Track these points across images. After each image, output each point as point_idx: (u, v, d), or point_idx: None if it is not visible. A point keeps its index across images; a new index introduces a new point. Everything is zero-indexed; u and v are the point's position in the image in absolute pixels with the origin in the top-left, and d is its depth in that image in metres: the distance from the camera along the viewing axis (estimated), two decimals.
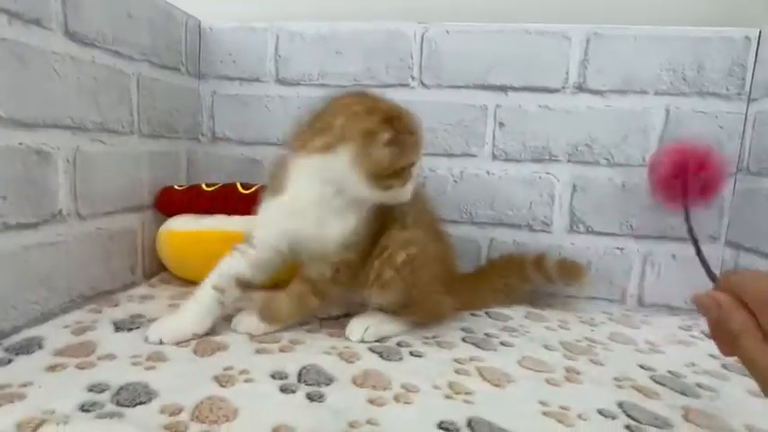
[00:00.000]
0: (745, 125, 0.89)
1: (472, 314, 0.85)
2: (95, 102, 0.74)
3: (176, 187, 0.93)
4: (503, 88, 0.96)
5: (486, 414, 0.50)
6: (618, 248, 0.95)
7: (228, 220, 0.89)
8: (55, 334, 0.63)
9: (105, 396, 0.49)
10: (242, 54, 1.04)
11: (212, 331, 0.68)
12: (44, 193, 0.66)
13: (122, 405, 0.48)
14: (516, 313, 0.87)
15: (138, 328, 0.68)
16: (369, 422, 0.48)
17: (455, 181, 0.99)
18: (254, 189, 0.91)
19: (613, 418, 0.52)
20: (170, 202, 0.91)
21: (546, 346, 0.71)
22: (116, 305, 0.76)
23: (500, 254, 0.98)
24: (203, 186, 0.92)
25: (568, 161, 0.95)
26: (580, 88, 0.93)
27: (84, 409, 0.46)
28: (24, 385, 0.50)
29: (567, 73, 0.93)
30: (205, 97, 1.06)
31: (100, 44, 0.74)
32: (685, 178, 0.80)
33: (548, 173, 0.96)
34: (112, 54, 0.77)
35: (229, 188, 0.91)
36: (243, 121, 1.06)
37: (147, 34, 0.86)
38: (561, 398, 0.55)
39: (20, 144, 0.62)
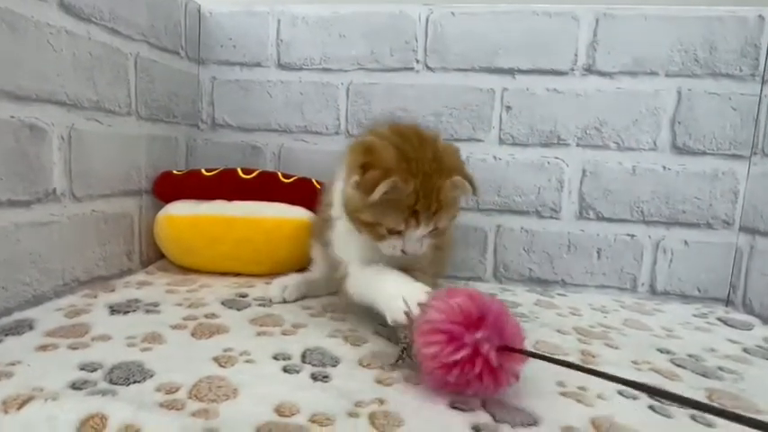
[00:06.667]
0: (759, 107, 0.87)
1: None
2: (91, 79, 0.72)
3: (175, 172, 0.90)
4: (510, 71, 0.93)
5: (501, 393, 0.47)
6: (629, 235, 0.92)
7: (229, 205, 0.86)
8: (47, 316, 0.61)
9: (98, 375, 0.46)
10: (242, 39, 1.02)
11: (211, 315, 0.65)
12: (38, 170, 0.64)
13: (115, 383, 0.45)
14: (526, 300, 0.84)
15: (135, 311, 0.65)
16: (376, 401, 0.45)
17: None
18: (254, 174, 0.88)
19: (635, 398, 0.49)
20: (169, 187, 0.89)
21: (559, 331, 0.68)
22: (112, 290, 0.74)
23: (506, 243, 0.95)
24: (203, 171, 0.89)
25: (577, 145, 0.92)
26: (589, 70, 0.91)
27: (75, 386, 0.44)
28: (12, 364, 0.47)
29: (575, 55, 0.91)
30: (205, 83, 1.04)
31: (96, 20, 0.72)
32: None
33: (556, 157, 0.93)
34: (109, 31, 0.75)
35: (230, 173, 0.89)
36: (243, 108, 1.03)
37: (145, 14, 0.83)
38: (578, 379, 0.52)
39: (11, 117, 0.59)
